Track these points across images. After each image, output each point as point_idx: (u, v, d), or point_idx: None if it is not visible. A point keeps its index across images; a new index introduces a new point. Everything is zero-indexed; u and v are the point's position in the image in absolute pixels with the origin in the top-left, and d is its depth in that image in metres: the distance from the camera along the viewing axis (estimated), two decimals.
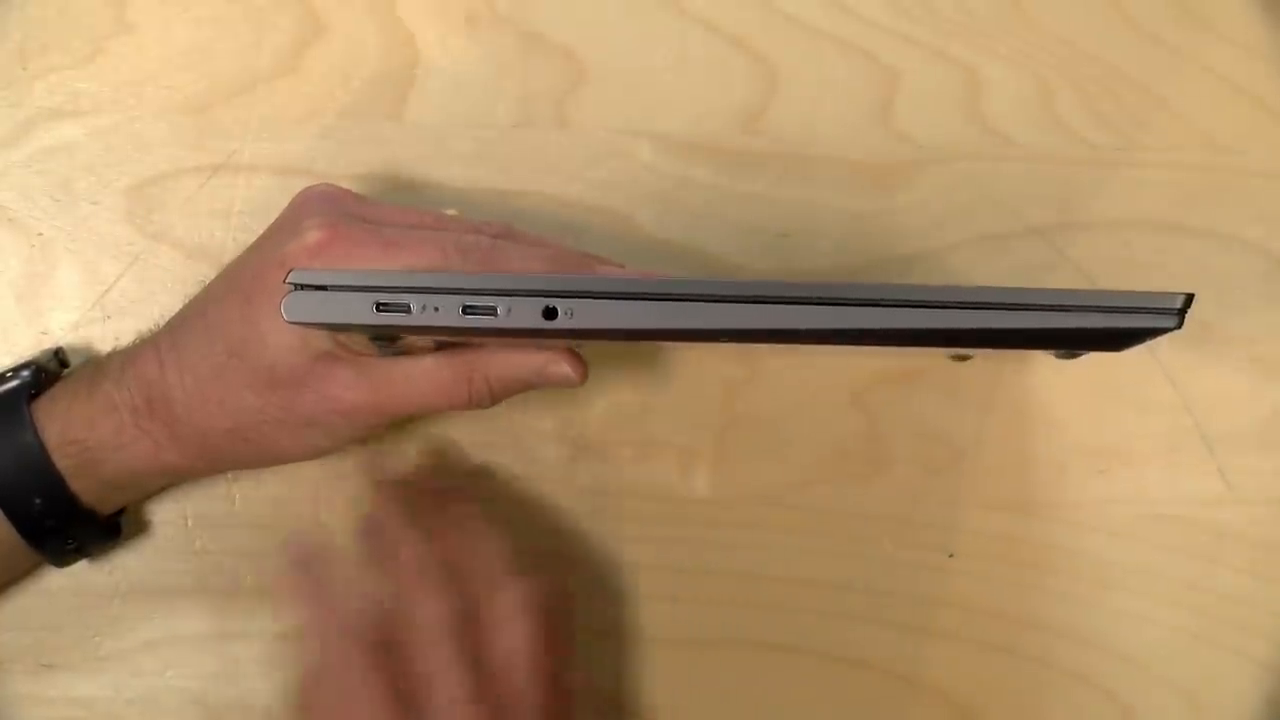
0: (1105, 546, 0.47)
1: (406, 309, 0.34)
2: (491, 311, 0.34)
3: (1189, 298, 0.33)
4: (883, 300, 0.33)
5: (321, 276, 0.34)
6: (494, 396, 0.41)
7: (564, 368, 0.40)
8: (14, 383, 0.42)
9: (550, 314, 0.34)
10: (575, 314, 0.34)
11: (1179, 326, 0.33)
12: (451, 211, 0.47)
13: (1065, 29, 0.49)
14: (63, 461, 0.41)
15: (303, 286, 0.34)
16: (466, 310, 0.34)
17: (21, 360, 0.44)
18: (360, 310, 0.34)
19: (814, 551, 0.48)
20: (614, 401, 0.48)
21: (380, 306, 0.34)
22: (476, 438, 0.48)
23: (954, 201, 0.48)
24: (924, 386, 0.48)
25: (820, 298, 0.33)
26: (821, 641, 0.47)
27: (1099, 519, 0.47)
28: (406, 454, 0.47)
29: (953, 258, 0.48)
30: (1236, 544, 0.47)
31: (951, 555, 0.48)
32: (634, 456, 0.48)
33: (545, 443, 0.48)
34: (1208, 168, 0.48)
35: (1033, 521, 0.47)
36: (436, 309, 0.34)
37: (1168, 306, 0.33)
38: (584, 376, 0.40)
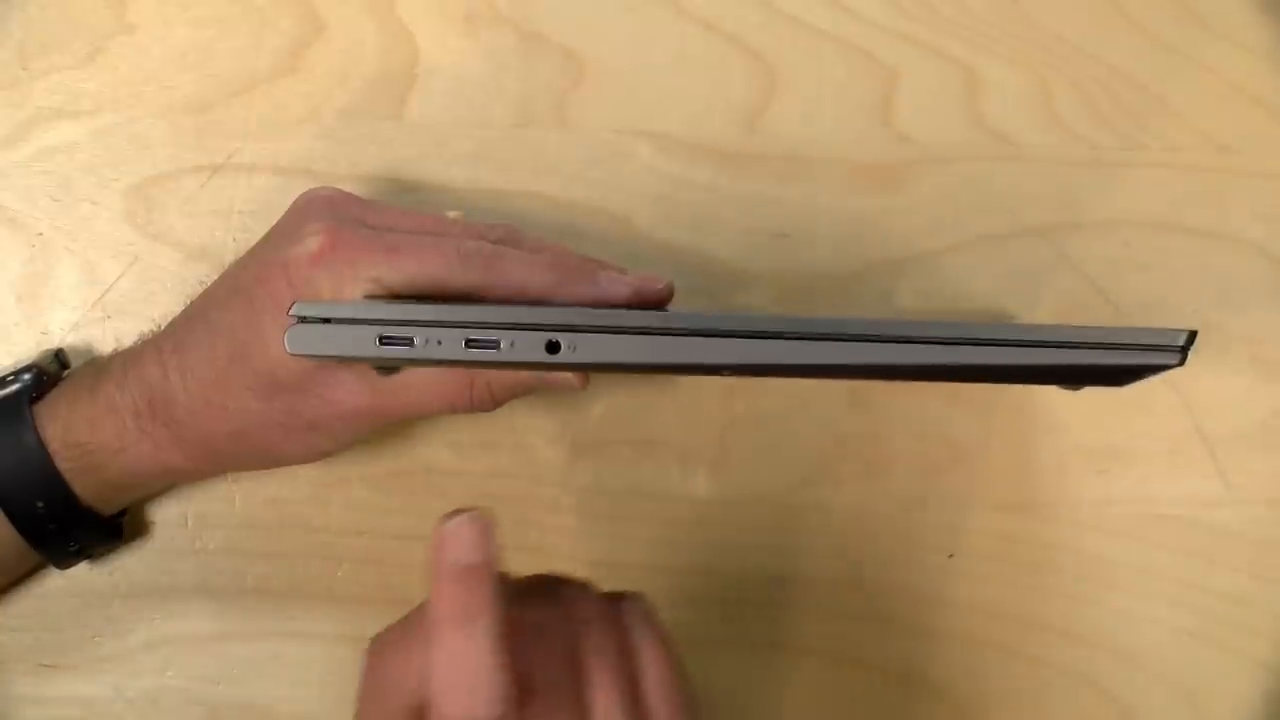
0: (1105, 546, 0.47)
1: (410, 342, 0.34)
2: (494, 345, 0.34)
3: (1192, 335, 0.33)
4: (883, 337, 0.33)
5: (325, 309, 0.35)
6: (495, 400, 0.41)
7: (566, 374, 0.40)
8: (15, 386, 0.42)
9: (553, 348, 0.34)
10: (578, 348, 0.34)
11: (1182, 364, 0.33)
12: (454, 214, 0.47)
13: (1065, 29, 0.49)
14: (65, 464, 0.41)
15: (306, 319, 0.35)
16: (469, 344, 0.34)
17: (22, 362, 0.44)
18: (364, 343, 0.34)
19: (814, 551, 0.48)
20: (614, 402, 0.48)
21: (384, 339, 0.34)
22: (477, 438, 0.48)
23: (954, 202, 0.48)
24: (924, 387, 0.48)
25: (820, 334, 0.33)
26: (821, 641, 0.47)
27: (1099, 519, 0.48)
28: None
29: (952, 258, 0.48)
30: (1236, 544, 0.47)
31: (951, 555, 0.48)
32: (634, 456, 0.48)
33: (545, 443, 0.48)
34: (1208, 168, 0.48)
35: (1033, 521, 0.47)
36: (440, 342, 0.34)
37: (1171, 344, 0.33)
38: (585, 382, 0.40)
